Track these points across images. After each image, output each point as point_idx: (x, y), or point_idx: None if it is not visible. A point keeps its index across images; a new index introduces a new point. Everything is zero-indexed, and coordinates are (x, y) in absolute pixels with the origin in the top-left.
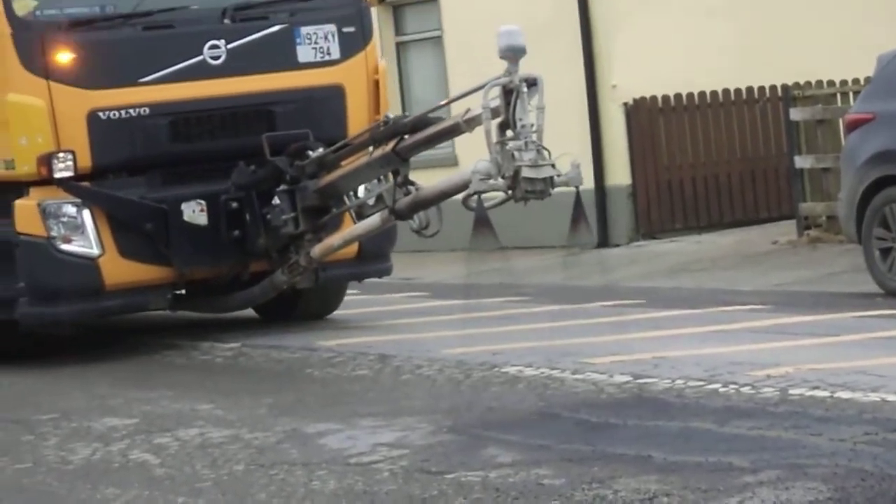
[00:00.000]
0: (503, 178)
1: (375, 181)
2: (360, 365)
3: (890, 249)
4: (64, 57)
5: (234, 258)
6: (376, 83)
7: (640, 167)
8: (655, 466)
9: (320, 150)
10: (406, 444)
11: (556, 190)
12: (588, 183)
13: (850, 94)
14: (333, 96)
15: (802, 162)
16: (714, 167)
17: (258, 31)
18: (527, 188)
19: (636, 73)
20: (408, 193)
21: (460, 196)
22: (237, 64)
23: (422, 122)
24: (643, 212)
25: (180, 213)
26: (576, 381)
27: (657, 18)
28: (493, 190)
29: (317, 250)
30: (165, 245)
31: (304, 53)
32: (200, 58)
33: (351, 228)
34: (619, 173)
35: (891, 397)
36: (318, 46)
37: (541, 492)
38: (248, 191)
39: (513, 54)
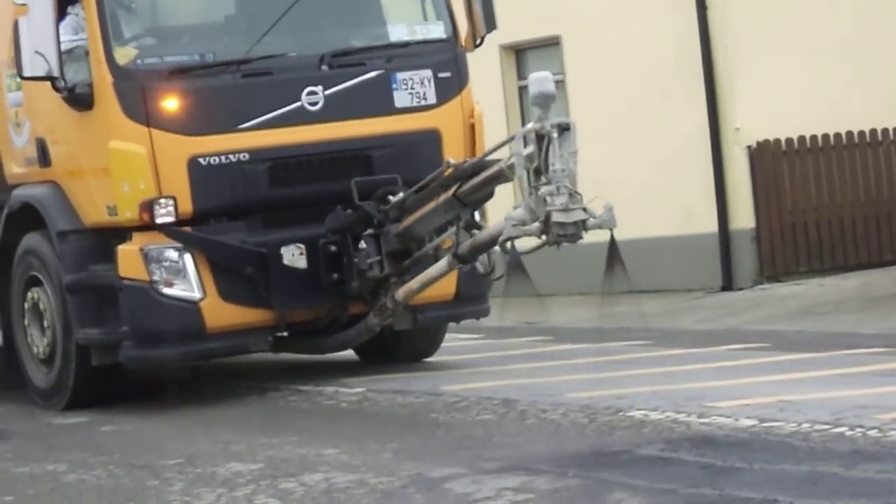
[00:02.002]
0: (537, 222)
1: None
2: (484, 409)
3: None
4: (165, 104)
5: (333, 300)
6: (472, 127)
7: (763, 210)
8: None
9: (401, 195)
10: (531, 488)
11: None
12: (712, 226)
13: None
14: (429, 140)
15: None
16: (838, 210)
17: (355, 77)
18: (558, 232)
19: (759, 116)
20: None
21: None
22: (335, 109)
23: (479, 167)
24: (767, 255)
25: (280, 256)
26: (701, 424)
27: (780, 60)
28: (526, 235)
29: (400, 293)
30: (265, 288)
31: (401, 98)
32: (298, 104)
33: (424, 273)
34: (743, 216)
35: None
36: (414, 91)
37: None
38: (341, 235)
39: (543, 101)
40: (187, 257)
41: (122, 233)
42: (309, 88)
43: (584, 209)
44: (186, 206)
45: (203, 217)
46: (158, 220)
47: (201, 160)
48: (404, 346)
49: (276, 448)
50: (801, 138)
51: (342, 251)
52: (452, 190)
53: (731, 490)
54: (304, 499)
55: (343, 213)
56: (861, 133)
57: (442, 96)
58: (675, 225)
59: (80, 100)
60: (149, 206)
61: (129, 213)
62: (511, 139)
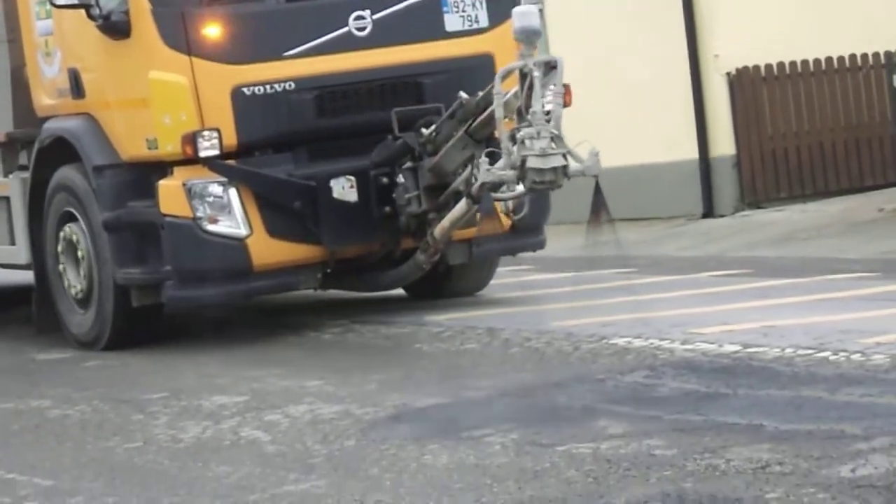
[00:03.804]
0: (513, 168)
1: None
2: (468, 339)
3: None
4: (206, 32)
5: (385, 235)
6: None
7: (744, 137)
8: (767, 435)
9: (433, 127)
10: (516, 417)
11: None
12: (692, 153)
13: None
14: (482, 65)
15: None
16: (818, 135)
17: (404, 0)
18: (535, 178)
19: (739, 43)
20: None
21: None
22: (383, 35)
23: (486, 103)
24: (748, 182)
25: (329, 189)
26: (685, 351)
27: None
28: (502, 181)
29: (437, 231)
30: (315, 223)
31: (452, 22)
32: (346, 29)
33: (451, 212)
34: (723, 143)
35: None
36: (465, 14)
37: (652, 462)
38: (390, 166)
39: (527, 36)
40: (232, 192)
41: (162, 167)
42: (356, 13)
43: (566, 154)
44: (231, 139)
45: (247, 150)
46: (202, 154)
47: (245, 90)
48: (455, 281)
49: (260, 381)
50: (781, 65)
51: (394, 184)
52: (464, 127)
53: (715, 416)
54: (288, 430)
55: (392, 144)
56: (840, 58)
57: (494, 19)
58: (655, 153)
59: (116, 28)
60: (192, 139)
61: (170, 147)
62: (508, 72)
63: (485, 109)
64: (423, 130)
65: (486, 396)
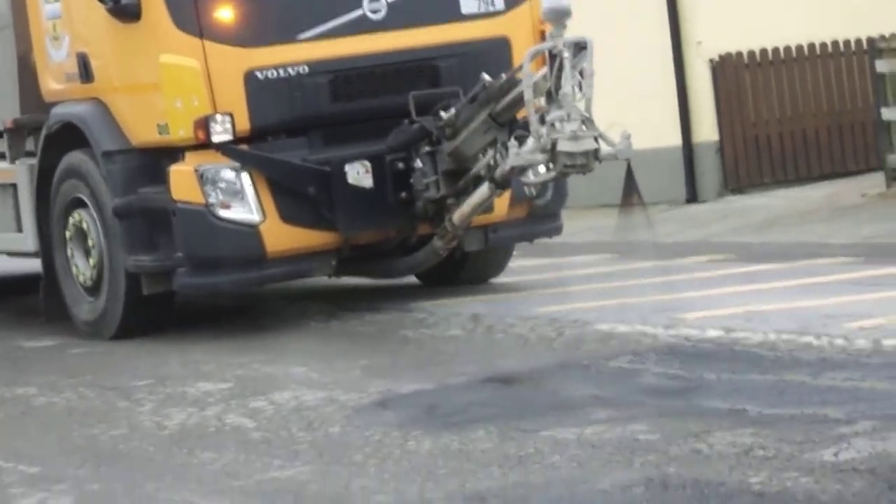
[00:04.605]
0: (542, 151)
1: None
2: (452, 325)
3: None
4: (219, 14)
5: (401, 221)
6: (542, 34)
7: (727, 123)
8: (750, 420)
9: (452, 110)
10: (500, 402)
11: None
12: (675, 140)
13: None
14: (499, 48)
15: (889, 114)
16: (801, 121)
17: None
18: (566, 162)
19: (721, 29)
20: None
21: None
22: (398, 17)
23: (510, 85)
24: (731, 167)
25: (344, 175)
26: (668, 336)
27: None
28: (532, 164)
29: (456, 216)
30: (329, 209)
31: (468, 4)
32: (360, 12)
33: (471, 197)
34: (707, 129)
35: None
36: None
37: (636, 447)
38: (406, 151)
39: (556, 16)
40: (245, 177)
41: (173, 152)
42: None
43: (597, 138)
44: (244, 123)
45: (261, 134)
46: (215, 138)
47: (258, 73)
48: (470, 267)
49: (245, 367)
50: (763, 51)
51: (410, 169)
52: (487, 109)
53: (699, 401)
54: (273, 417)
55: (409, 128)
56: (823, 45)
57: (511, 1)
58: (638, 139)
59: (126, 11)
60: (204, 124)
61: (182, 132)
62: (537, 53)
63: (508, 92)
64: (442, 114)
65: (470, 382)
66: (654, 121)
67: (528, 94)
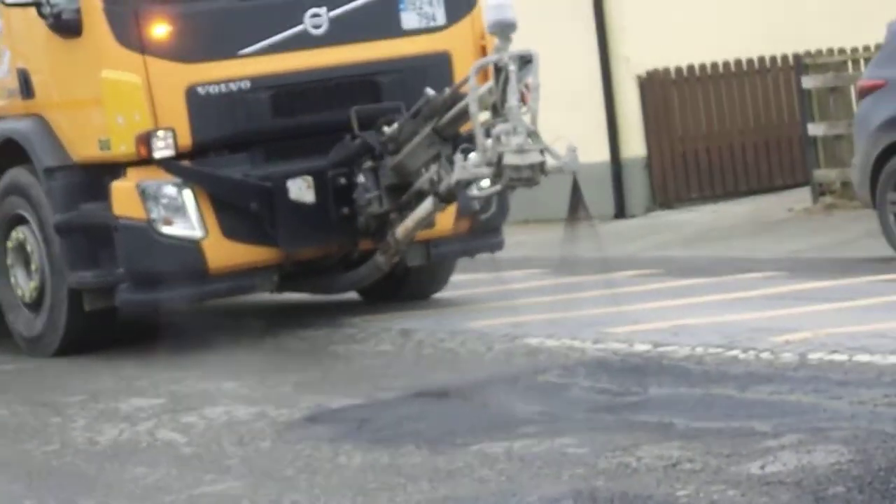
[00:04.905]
0: (488, 165)
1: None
2: (382, 340)
3: None
4: (159, 30)
5: (343, 237)
6: (483, 49)
7: (654, 138)
8: (678, 433)
9: (395, 125)
10: (430, 416)
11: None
12: (604, 155)
13: (861, 62)
14: (440, 64)
15: (815, 129)
16: (728, 137)
17: None
18: (512, 175)
19: (649, 46)
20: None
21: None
22: (339, 33)
23: (453, 100)
24: (659, 182)
25: (286, 190)
26: (597, 350)
27: None
28: (477, 178)
29: (399, 231)
30: (271, 225)
31: (409, 20)
32: (301, 27)
33: (415, 212)
34: (634, 145)
35: None
36: (422, 12)
37: (565, 461)
38: (349, 167)
39: (502, 29)
40: (187, 193)
41: (115, 168)
42: (312, 10)
43: (543, 151)
44: (185, 139)
45: (203, 150)
46: (157, 154)
47: (200, 89)
48: (412, 282)
49: (177, 383)
50: (691, 67)
51: (352, 184)
52: (431, 124)
53: (626, 414)
54: (205, 432)
55: (351, 143)
56: (749, 61)
57: (452, 16)
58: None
59: (67, 26)
60: (146, 139)
61: (123, 147)
62: (482, 66)
63: (452, 106)
64: (385, 129)
65: (400, 397)
66: (583, 136)
67: (473, 108)
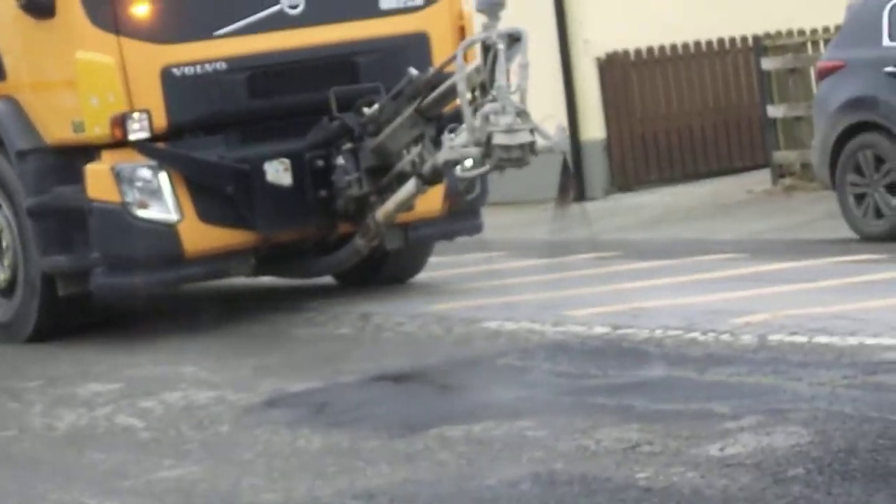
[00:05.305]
0: (477, 145)
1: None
2: (342, 324)
3: (864, 195)
4: (135, 10)
5: (321, 220)
6: (462, 29)
7: (613, 121)
8: (637, 415)
9: (375, 106)
10: (389, 400)
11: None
12: None
13: (821, 43)
14: (418, 44)
15: (775, 111)
16: (688, 119)
17: None
18: (501, 155)
19: (608, 28)
20: None
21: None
22: (316, 13)
23: (437, 80)
24: (618, 165)
25: (263, 173)
26: (556, 333)
27: None
28: (465, 158)
29: (380, 214)
30: (248, 208)
31: (387, 0)
32: (278, 7)
33: (397, 194)
34: (594, 128)
35: (868, 341)
36: None
37: (524, 443)
38: (327, 149)
39: (490, 7)
40: (162, 176)
41: (89, 151)
42: None
43: (532, 130)
44: (161, 121)
45: (178, 132)
46: (132, 136)
47: (175, 70)
48: (389, 266)
49: (135, 367)
50: (650, 49)
51: (330, 166)
52: (414, 104)
53: (586, 397)
54: (163, 417)
55: (329, 125)
56: (709, 42)
57: None
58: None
59: (40, 7)
60: (121, 121)
61: (98, 129)
62: (470, 45)
63: (436, 86)
64: (365, 110)
65: (360, 381)
66: (542, 118)
67: (461, 87)
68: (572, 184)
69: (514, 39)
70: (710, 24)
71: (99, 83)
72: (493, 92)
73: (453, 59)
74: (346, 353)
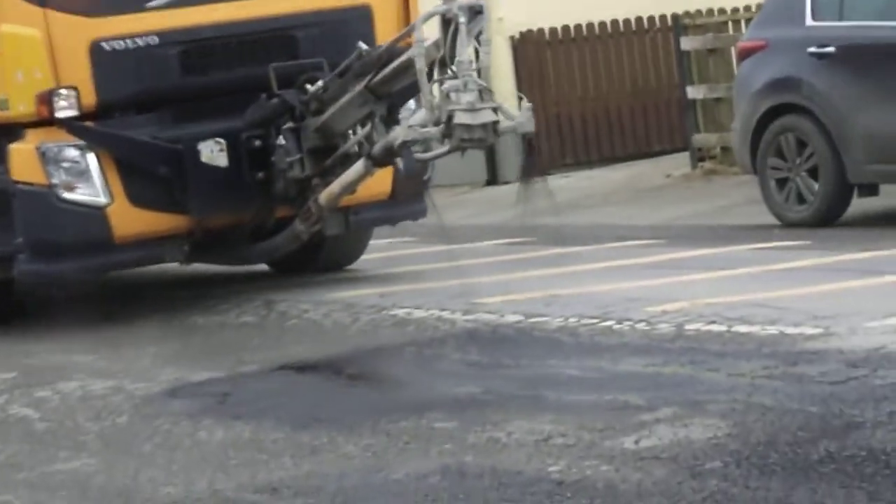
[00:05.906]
0: (436, 124)
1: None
2: (245, 311)
3: (786, 180)
4: None
5: (258, 204)
6: (406, 2)
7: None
8: (549, 406)
9: (319, 83)
10: (293, 391)
11: None
12: None
13: (742, 22)
14: (360, 18)
15: (695, 92)
16: (604, 100)
17: None
18: (462, 136)
19: (522, 6)
20: None
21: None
22: None
23: (389, 55)
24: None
25: (197, 153)
26: (466, 321)
27: None
28: (425, 138)
29: (323, 197)
30: (181, 190)
31: None
32: None
33: (343, 175)
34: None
35: (789, 330)
36: None
37: (433, 435)
38: (265, 128)
39: None
40: (91, 156)
41: (13, 130)
42: None
43: (496, 109)
44: (89, 98)
45: (108, 110)
46: (59, 114)
47: (104, 45)
48: (327, 252)
49: (31, 356)
50: (566, 28)
51: (268, 147)
52: (365, 81)
53: (497, 387)
54: (59, 407)
55: (267, 103)
56: (626, 21)
57: None
58: None
59: None
60: (47, 98)
61: (22, 107)
62: (429, 17)
63: (389, 62)
64: (308, 86)
65: (263, 371)
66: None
67: (419, 63)
68: (538, 163)
69: (475, 12)
70: (629, 3)
71: (24, 58)
72: (454, 68)
73: (409, 32)
74: (249, 342)
